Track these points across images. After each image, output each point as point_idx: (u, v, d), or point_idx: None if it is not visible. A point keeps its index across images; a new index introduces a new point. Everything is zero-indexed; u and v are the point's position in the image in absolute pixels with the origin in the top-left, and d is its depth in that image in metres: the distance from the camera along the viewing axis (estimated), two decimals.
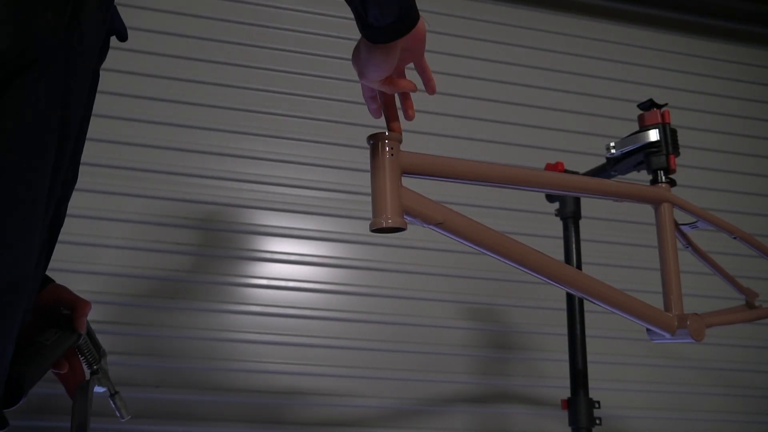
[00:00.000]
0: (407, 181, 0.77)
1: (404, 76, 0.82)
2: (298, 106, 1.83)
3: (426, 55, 0.81)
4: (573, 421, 1.30)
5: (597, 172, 1.30)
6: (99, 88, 0.78)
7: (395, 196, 0.72)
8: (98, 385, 0.89)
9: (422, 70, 0.83)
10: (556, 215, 1.44)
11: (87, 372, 0.89)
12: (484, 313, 1.80)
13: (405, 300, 1.75)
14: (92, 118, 0.77)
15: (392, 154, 0.74)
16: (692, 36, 2.24)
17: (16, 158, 0.58)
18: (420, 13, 0.73)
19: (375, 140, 0.75)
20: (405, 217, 0.73)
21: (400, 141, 0.75)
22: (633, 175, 1.27)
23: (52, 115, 0.62)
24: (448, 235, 0.78)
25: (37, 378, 0.75)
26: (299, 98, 1.83)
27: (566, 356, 1.35)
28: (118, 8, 0.78)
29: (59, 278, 0.88)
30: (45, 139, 0.62)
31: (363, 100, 0.85)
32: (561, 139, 1.98)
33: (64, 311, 0.85)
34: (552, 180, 1.02)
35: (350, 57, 0.79)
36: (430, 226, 0.76)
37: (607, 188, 1.06)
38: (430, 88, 0.84)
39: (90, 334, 0.89)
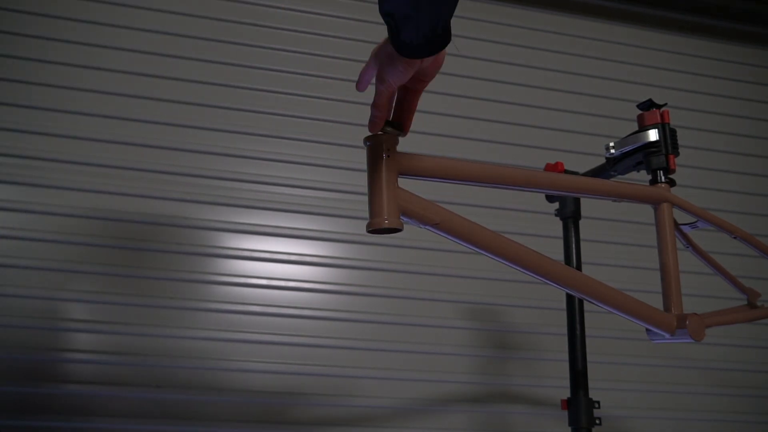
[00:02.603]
0: (405, 182, 0.76)
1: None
2: (298, 106, 1.83)
3: None
4: (573, 421, 1.30)
5: (597, 172, 1.30)
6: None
7: (391, 197, 0.72)
8: None
9: (412, 97, 0.80)
10: (556, 215, 1.43)
11: None
12: (484, 313, 1.80)
13: (405, 300, 1.75)
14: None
15: (389, 156, 0.74)
16: (692, 36, 2.24)
17: None
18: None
19: (371, 141, 0.75)
20: (402, 217, 0.73)
21: (396, 142, 0.75)
22: (633, 175, 1.26)
23: None
24: (445, 235, 0.78)
25: None
26: (299, 98, 1.83)
27: (566, 356, 1.35)
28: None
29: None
30: None
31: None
32: (561, 139, 1.98)
33: None
34: (552, 180, 1.01)
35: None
36: (426, 227, 0.76)
37: (607, 188, 1.06)
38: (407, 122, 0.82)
39: None
